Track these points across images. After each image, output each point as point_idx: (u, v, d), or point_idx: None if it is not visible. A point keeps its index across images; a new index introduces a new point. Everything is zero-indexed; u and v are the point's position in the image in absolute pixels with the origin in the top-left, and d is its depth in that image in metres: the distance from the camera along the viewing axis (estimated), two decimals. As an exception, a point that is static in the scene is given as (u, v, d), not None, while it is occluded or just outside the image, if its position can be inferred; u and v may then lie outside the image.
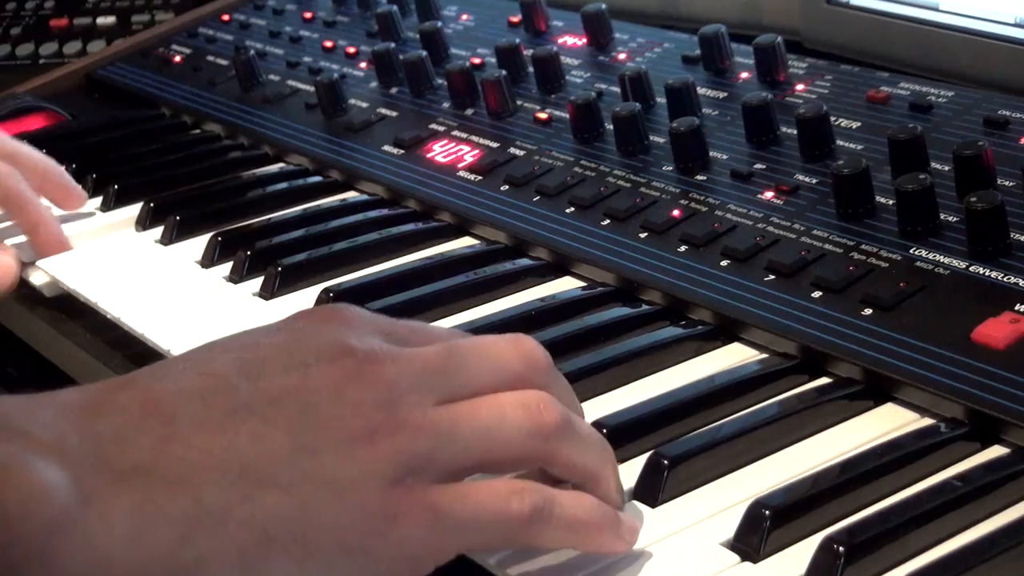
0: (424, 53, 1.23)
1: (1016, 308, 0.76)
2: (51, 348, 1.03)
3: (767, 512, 0.64)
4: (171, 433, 0.53)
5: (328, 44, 1.36)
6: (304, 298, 0.95)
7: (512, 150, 1.07)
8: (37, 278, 1.05)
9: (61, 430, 0.52)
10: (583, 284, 0.92)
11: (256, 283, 0.98)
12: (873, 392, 0.75)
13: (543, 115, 1.11)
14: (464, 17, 1.35)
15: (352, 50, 1.33)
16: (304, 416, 0.55)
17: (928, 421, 0.73)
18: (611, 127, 1.03)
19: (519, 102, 1.14)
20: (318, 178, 1.16)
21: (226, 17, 1.51)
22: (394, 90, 1.23)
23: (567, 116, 1.07)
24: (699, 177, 0.96)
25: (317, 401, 0.55)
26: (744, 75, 1.09)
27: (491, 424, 0.58)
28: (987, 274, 0.79)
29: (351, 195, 1.12)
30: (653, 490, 0.68)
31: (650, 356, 0.82)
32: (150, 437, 0.53)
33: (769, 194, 0.92)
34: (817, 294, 0.81)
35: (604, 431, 0.71)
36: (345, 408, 0.55)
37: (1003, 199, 0.80)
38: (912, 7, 1.09)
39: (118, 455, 0.52)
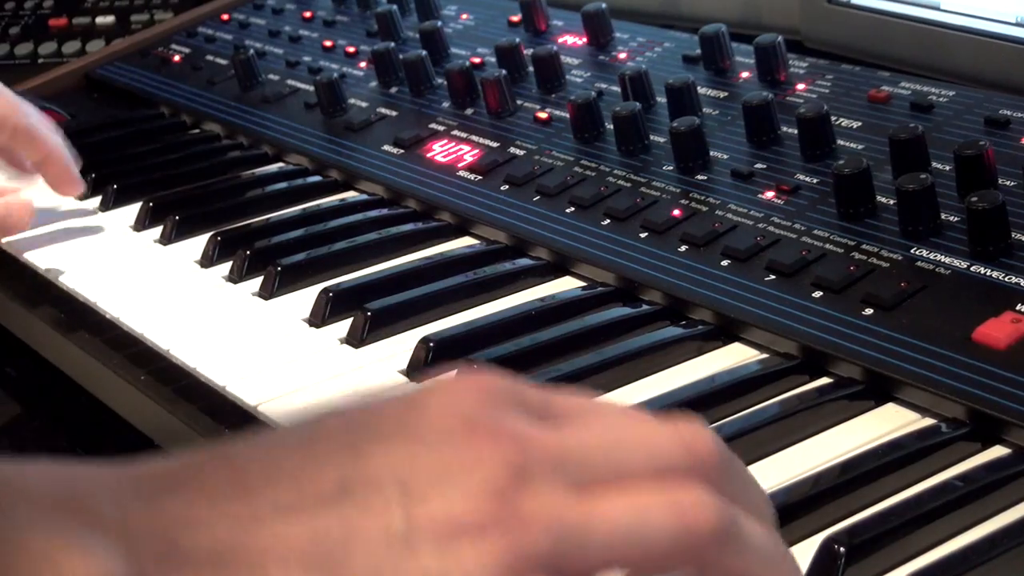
0: (424, 52, 1.23)
1: (1017, 308, 0.76)
2: (50, 348, 1.03)
3: (768, 512, 0.64)
4: (252, 516, 0.46)
5: (328, 43, 1.36)
6: (303, 298, 0.95)
7: (512, 150, 1.07)
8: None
9: (129, 507, 0.47)
10: (583, 284, 0.92)
11: (255, 283, 0.98)
12: (874, 392, 0.75)
13: (543, 115, 1.11)
14: (464, 16, 1.35)
15: (352, 49, 1.33)
16: (405, 503, 0.46)
17: (929, 421, 0.73)
18: (611, 127, 1.03)
19: (519, 102, 1.14)
20: (317, 178, 1.16)
21: (225, 16, 1.51)
22: (394, 90, 1.23)
23: (567, 116, 1.07)
24: (699, 177, 0.96)
25: (423, 485, 0.46)
26: (745, 74, 1.09)
27: (631, 524, 0.48)
28: (988, 274, 0.79)
29: (350, 195, 1.12)
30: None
31: (650, 356, 0.82)
32: (227, 520, 0.46)
33: (770, 194, 0.92)
34: (818, 294, 0.81)
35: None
36: (455, 494, 0.46)
37: (1004, 199, 0.80)
38: (913, 6, 1.09)
39: (188, 540, 0.46)
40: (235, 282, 1.00)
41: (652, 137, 1.02)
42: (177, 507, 0.46)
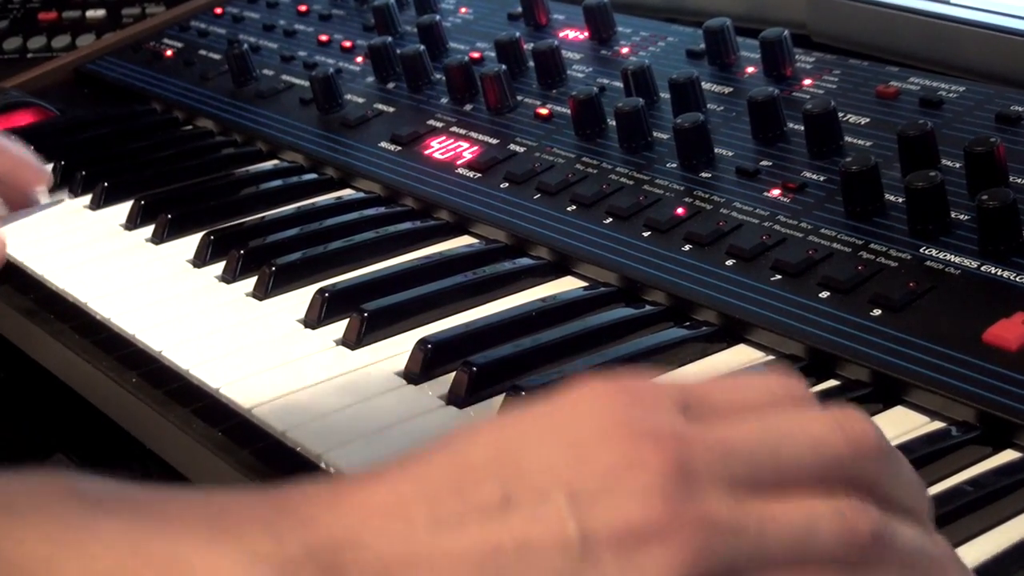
0: (422, 47, 1.23)
1: (1029, 309, 0.76)
2: (39, 350, 1.03)
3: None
4: (414, 532, 0.46)
5: (323, 38, 1.36)
6: (299, 299, 0.95)
7: (512, 147, 1.07)
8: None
9: (284, 531, 0.46)
10: (585, 284, 0.92)
11: (250, 283, 0.98)
12: (882, 395, 0.76)
13: (544, 111, 1.11)
14: (463, 10, 1.35)
15: (348, 44, 1.33)
16: (579, 513, 0.45)
17: (938, 424, 0.73)
18: (613, 123, 1.03)
19: (519, 97, 1.14)
20: (313, 175, 1.16)
21: (219, 10, 1.51)
22: (391, 85, 1.23)
23: (568, 112, 1.07)
24: (704, 174, 0.96)
25: (592, 493, 0.46)
26: (750, 70, 1.09)
27: (803, 532, 0.47)
28: (999, 274, 0.79)
29: (347, 193, 1.12)
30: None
31: (654, 358, 0.82)
32: (388, 537, 0.46)
33: (775, 192, 0.92)
34: (825, 294, 0.81)
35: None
36: (628, 499, 0.46)
37: (1015, 197, 0.80)
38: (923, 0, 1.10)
39: (351, 558, 0.45)
40: (229, 282, 1.00)
41: (655, 134, 1.02)
42: (334, 527, 0.46)
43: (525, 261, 0.96)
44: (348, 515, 0.46)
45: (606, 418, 0.48)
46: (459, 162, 1.08)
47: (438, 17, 1.28)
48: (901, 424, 0.73)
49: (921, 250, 0.83)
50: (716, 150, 0.98)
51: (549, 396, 0.49)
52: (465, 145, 1.10)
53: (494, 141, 1.09)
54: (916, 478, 0.52)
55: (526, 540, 0.45)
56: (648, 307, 0.87)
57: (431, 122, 1.15)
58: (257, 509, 0.47)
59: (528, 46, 1.19)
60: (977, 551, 0.63)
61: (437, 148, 1.11)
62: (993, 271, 0.79)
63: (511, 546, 0.45)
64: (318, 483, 0.48)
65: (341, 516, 0.46)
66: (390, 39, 1.27)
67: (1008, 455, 0.70)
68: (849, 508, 0.48)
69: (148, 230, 1.09)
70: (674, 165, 0.98)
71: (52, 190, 1.19)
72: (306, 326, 0.92)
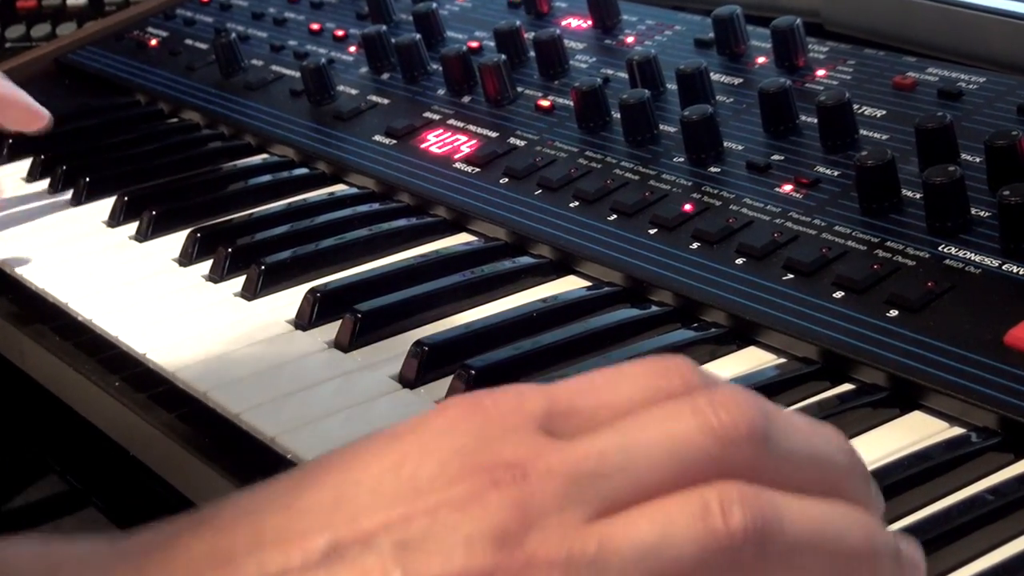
0: (418, 36, 1.23)
1: (1052, 309, 0.76)
2: (17, 352, 1.03)
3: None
4: None
5: (315, 26, 1.36)
6: (289, 299, 0.95)
7: (512, 140, 1.07)
8: None
9: None
10: (588, 284, 0.92)
11: (238, 282, 0.98)
12: (899, 399, 0.75)
13: (545, 103, 1.11)
14: (461, -2, 1.35)
15: (341, 33, 1.33)
16: (403, 561, 0.45)
17: (958, 430, 0.73)
18: (618, 116, 1.03)
19: (519, 89, 1.14)
20: (304, 170, 1.16)
21: (205, -2, 1.51)
22: (386, 76, 1.23)
23: (571, 104, 1.07)
24: (712, 169, 0.96)
25: (421, 539, 0.45)
26: (761, 60, 1.09)
27: (653, 544, 0.45)
28: (1021, 273, 0.79)
29: (339, 188, 1.12)
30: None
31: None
32: None
33: (787, 187, 0.92)
34: (839, 294, 0.81)
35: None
36: (455, 546, 0.45)
37: (1038, 192, 0.80)
38: (941, -13, 1.10)
39: None
40: (216, 281, 1.00)
41: (662, 127, 1.02)
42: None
43: (525, 260, 0.96)
44: (179, 567, 0.46)
45: (451, 448, 0.47)
46: (457, 156, 1.08)
47: (435, 5, 1.28)
48: (919, 430, 0.73)
49: (940, 248, 0.83)
50: (725, 144, 0.98)
51: (402, 423, 0.49)
52: (463, 139, 1.10)
53: (493, 134, 1.09)
54: (820, 443, 0.49)
55: None
56: (654, 308, 0.87)
57: (427, 114, 1.15)
58: (98, 558, 0.48)
59: (529, 35, 1.19)
60: (1000, 562, 0.63)
61: (434, 142, 1.11)
62: (1015, 270, 0.79)
63: None
64: (162, 527, 0.48)
65: (171, 568, 0.46)
66: (385, 28, 1.26)
67: (1031, 462, 0.70)
68: (715, 500, 0.45)
69: (132, 227, 1.09)
70: (681, 159, 0.98)
71: (31, 181, 1.19)
72: (297, 328, 0.92)
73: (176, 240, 1.05)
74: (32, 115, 1.16)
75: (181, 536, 0.47)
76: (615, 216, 0.94)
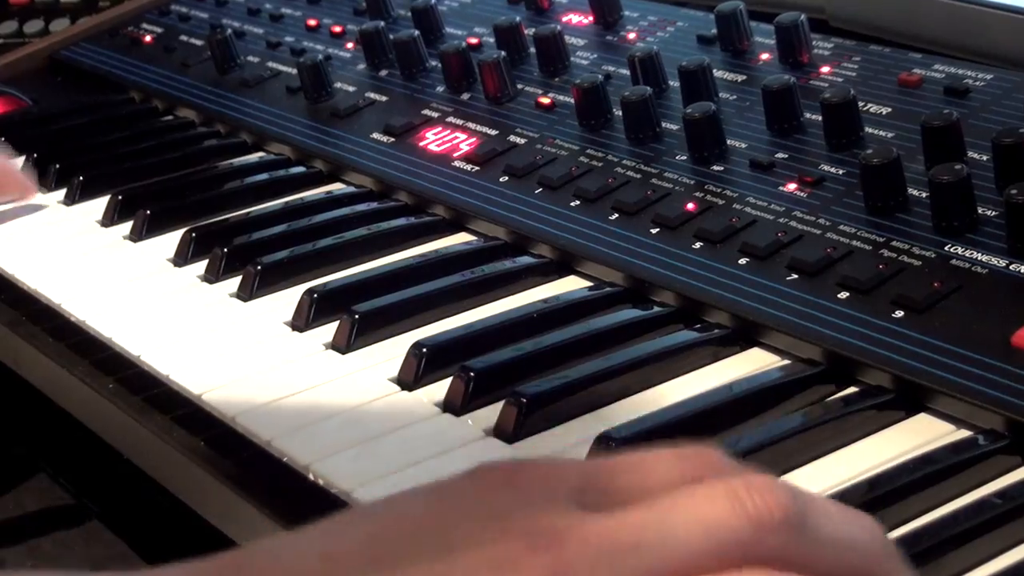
0: (416, 32, 1.23)
1: (1060, 310, 0.76)
2: (10, 353, 1.03)
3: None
4: None
5: (312, 22, 1.36)
6: (286, 299, 0.95)
7: (512, 138, 1.07)
8: None
9: None
10: (589, 284, 0.92)
11: (234, 283, 0.98)
12: (905, 401, 0.75)
13: (546, 100, 1.11)
14: (460, -7, 1.35)
15: (338, 29, 1.33)
16: None
17: (965, 433, 0.73)
18: (620, 113, 1.03)
19: (520, 86, 1.14)
20: (301, 169, 1.16)
21: (201, -7, 1.51)
22: (384, 73, 1.23)
23: (572, 101, 1.07)
24: (715, 167, 0.96)
25: None
26: (764, 56, 1.09)
27: None
28: (1029, 273, 0.79)
29: (337, 187, 1.12)
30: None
31: (662, 362, 0.82)
32: None
33: (792, 186, 0.92)
34: (844, 295, 0.81)
35: (611, 444, 0.71)
36: None
37: (1046, 191, 0.80)
38: (947, -18, 1.10)
39: None
40: (212, 282, 1.00)
41: (664, 124, 1.02)
42: None
43: (526, 259, 0.96)
44: None
45: (486, 512, 0.48)
46: (456, 154, 1.08)
47: (434, 0, 1.28)
48: (925, 432, 0.73)
49: (946, 248, 0.83)
50: (728, 142, 0.98)
51: (438, 481, 0.50)
52: (462, 136, 1.10)
53: (493, 132, 1.09)
54: (854, 531, 0.50)
55: None
56: (656, 308, 0.87)
57: (426, 112, 1.15)
58: None
59: (529, 31, 1.19)
60: (1006, 567, 0.63)
61: (433, 140, 1.11)
62: (1023, 270, 0.79)
63: None
64: (186, 569, 0.49)
65: None
66: (382, 24, 1.27)
67: (1039, 465, 0.70)
68: None
69: (126, 227, 1.09)
70: (684, 158, 0.98)
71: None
72: (293, 329, 0.92)
73: (171, 240, 1.05)
74: (26, 186, 1.16)
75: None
76: (616, 215, 0.94)
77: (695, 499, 0.49)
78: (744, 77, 1.07)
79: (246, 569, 0.49)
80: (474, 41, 1.23)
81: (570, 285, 0.93)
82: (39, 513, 1.11)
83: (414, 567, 0.47)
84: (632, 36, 1.19)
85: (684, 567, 0.47)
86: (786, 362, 0.81)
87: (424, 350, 0.84)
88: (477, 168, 1.05)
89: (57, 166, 1.19)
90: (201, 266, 1.01)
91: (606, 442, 0.72)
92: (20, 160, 1.19)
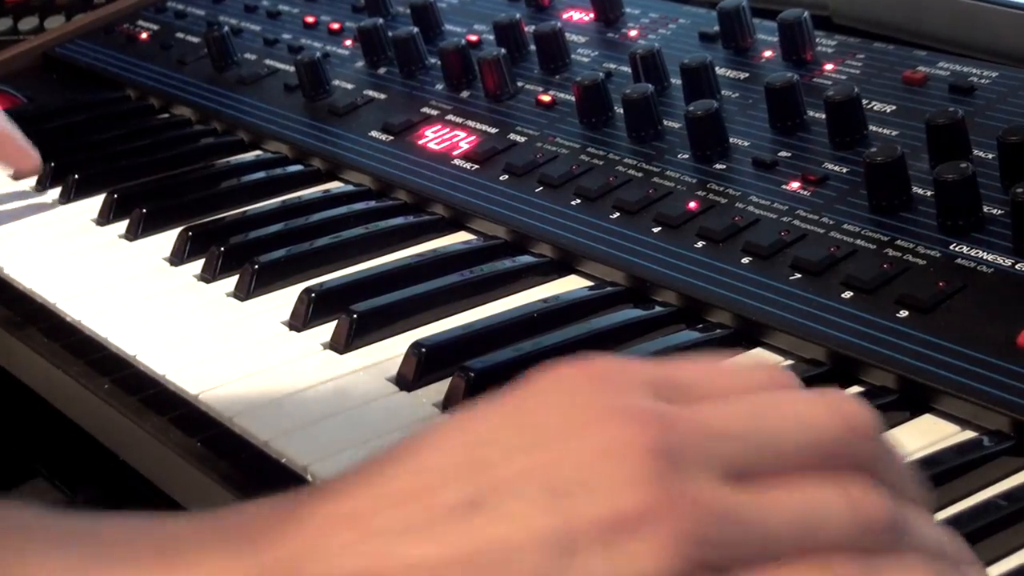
0: (415, 29, 1.23)
1: (1067, 310, 0.76)
2: (5, 354, 1.03)
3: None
4: (375, 545, 0.45)
5: (309, 20, 1.36)
6: (283, 299, 0.95)
7: (512, 136, 1.07)
8: None
9: (238, 554, 0.46)
10: (590, 283, 0.92)
11: (230, 282, 0.98)
12: (909, 402, 0.75)
13: (546, 98, 1.11)
14: (459, -10, 1.35)
15: (336, 26, 1.33)
16: (551, 506, 0.45)
17: (970, 434, 0.73)
18: (621, 111, 1.03)
19: (520, 83, 1.14)
20: (299, 167, 1.16)
21: (197, -10, 1.51)
22: (382, 70, 1.23)
23: (572, 99, 1.07)
24: (718, 166, 0.96)
25: (568, 484, 0.45)
26: (767, 54, 1.09)
27: (809, 518, 0.47)
28: (1035, 272, 0.79)
29: (335, 186, 1.12)
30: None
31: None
32: (351, 548, 0.45)
33: (795, 185, 0.92)
34: (848, 294, 0.81)
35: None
36: (608, 487, 0.45)
37: (1052, 190, 0.80)
38: (952, -21, 1.10)
39: (313, 569, 0.45)
40: (208, 281, 1.00)
41: (666, 122, 1.02)
42: (291, 543, 0.46)
43: (526, 259, 0.96)
44: (306, 529, 0.46)
45: (574, 403, 0.47)
46: (455, 153, 1.08)
47: (433, -3, 1.28)
48: (930, 433, 0.73)
49: (951, 247, 0.83)
50: (731, 140, 0.98)
51: (512, 387, 0.49)
52: (462, 134, 1.10)
53: (493, 130, 1.09)
54: (911, 470, 0.52)
55: (503, 540, 0.44)
56: (658, 308, 0.87)
57: (425, 110, 1.15)
58: (207, 532, 0.47)
59: (529, 28, 1.19)
60: (1011, 569, 0.63)
61: (432, 138, 1.11)
62: (1028, 269, 0.80)
63: (486, 547, 0.44)
64: (273, 500, 0.48)
65: (299, 531, 0.46)
66: (381, 21, 1.27)
67: (1045, 467, 0.70)
68: (859, 490, 0.47)
69: (122, 225, 1.09)
70: (686, 156, 0.98)
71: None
72: (291, 328, 0.92)
73: (167, 239, 1.05)
74: (24, 154, 1.16)
75: (296, 504, 0.47)
76: (618, 214, 0.94)
77: (792, 399, 0.50)
78: (747, 75, 1.07)
79: (329, 495, 0.47)
80: (474, 38, 1.23)
81: (571, 285, 0.93)
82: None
83: (519, 463, 0.46)
84: (633, 33, 1.19)
85: (789, 462, 0.47)
86: (790, 362, 0.81)
87: (423, 350, 0.84)
88: (477, 166, 1.05)
89: (52, 164, 1.19)
90: (198, 265, 1.01)
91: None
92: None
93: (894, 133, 0.95)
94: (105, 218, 1.11)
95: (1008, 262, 0.80)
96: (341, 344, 0.88)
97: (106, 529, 0.48)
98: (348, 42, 1.30)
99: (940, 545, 0.50)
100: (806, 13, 1.08)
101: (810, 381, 0.78)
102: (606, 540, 0.44)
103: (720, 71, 1.07)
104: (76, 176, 1.17)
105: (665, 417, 0.46)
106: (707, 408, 0.48)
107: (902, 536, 0.48)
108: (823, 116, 0.96)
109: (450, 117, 1.13)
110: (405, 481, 0.46)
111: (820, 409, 0.49)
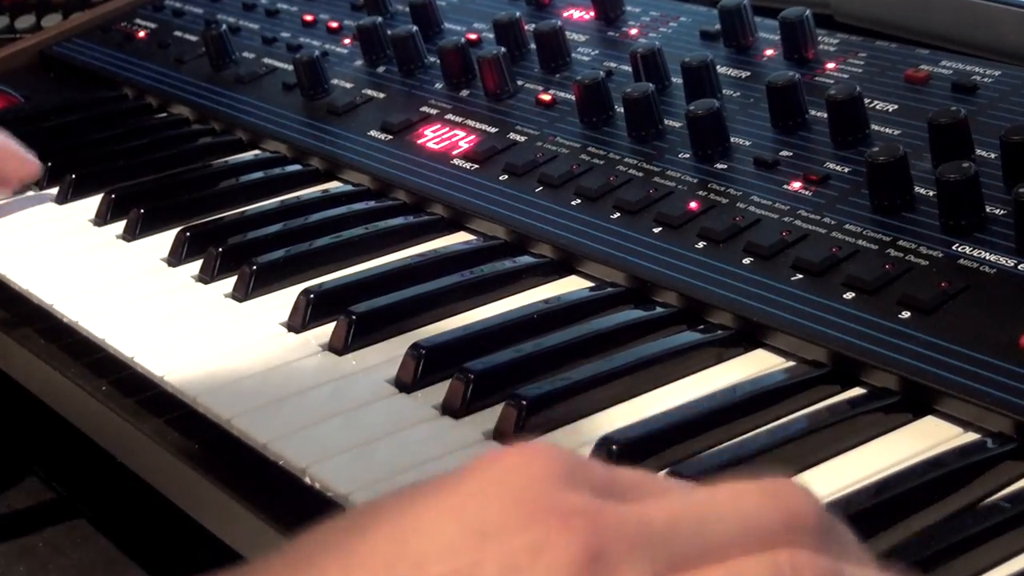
0: (414, 28, 1.23)
1: (1070, 311, 0.76)
2: (1, 355, 1.03)
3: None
4: None
5: (308, 18, 1.36)
6: (281, 300, 0.95)
7: (512, 136, 1.07)
8: None
9: None
10: (591, 284, 0.92)
11: (229, 283, 0.98)
12: (912, 404, 0.75)
13: (546, 97, 1.11)
14: (459, -12, 1.35)
15: (335, 25, 1.33)
16: None
17: (973, 436, 0.73)
18: (621, 110, 1.03)
19: (520, 82, 1.14)
20: (297, 166, 1.16)
21: (195, -12, 1.51)
22: (381, 69, 1.23)
23: (573, 98, 1.07)
24: (719, 165, 0.96)
25: None
26: (769, 52, 1.09)
27: None
28: (1038, 273, 0.79)
29: (334, 185, 1.12)
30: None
31: (665, 364, 0.82)
32: None
33: (796, 184, 0.92)
34: (849, 295, 0.81)
35: (613, 447, 0.71)
36: None
37: (1056, 190, 0.80)
38: (955, -23, 1.10)
39: None
40: (206, 282, 1.00)
41: (667, 122, 1.02)
42: None
43: (526, 259, 0.96)
44: None
45: (513, 494, 0.47)
46: (455, 152, 1.08)
47: (432, -5, 1.28)
48: (932, 435, 0.73)
49: (953, 247, 0.83)
50: (732, 139, 0.98)
51: (454, 471, 0.49)
52: (461, 134, 1.10)
53: (492, 130, 1.09)
54: (866, 554, 0.51)
55: None
56: (659, 309, 0.87)
57: (425, 109, 1.15)
58: None
59: (529, 27, 1.19)
60: (1014, 572, 0.63)
61: (431, 137, 1.11)
62: (1031, 270, 0.80)
63: None
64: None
65: None
66: (380, 19, 1.27)
67: (1048, 469, 0.70)
68: (787, 561, 0.47)
69: (119, 226, 1.09)
70: (687, 156, 0.98)
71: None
72: (290, 330, 0.92)
73: (165, 239, 1.05)
74: (27, 164, 1.16)
75: None
76: (618, 214, 0.94)
77: (730, 493, 0.49)
78: (748, 73, 1.07)
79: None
80: (473, 37, 1.23)
81: (571, 285, 0.93)
82: (31, 513, 1.11)
83: (442, 562, 0.46)
84: (634, 32, 1.19)
85: (720, 551, 0.47)
86: (791, 364, 0.81)
87: (423, 351, 0.84)
88: (476, 166, 1.05)
89: (49, 164, 1.19)
90: (196, 266, 1.01)
91: (608, 445, 0.72)
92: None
93: (896, 132, 0.95)
94: (103, 218, 1.11)
95: (1011, 263, 0.80)
96: (340, 345, 0.88)
97: None
98: (347, 41, 1.30)
99: None
100: (808, 11, 1.08)
101: (811, 382, 0.78)
102: None
103: (721, 70, 1.07)
104: (73, 176, 1.17)
105: (596, 515, 0.46)
106: (646, 505, 0.48)
107: None
108: (825, 115, 0.96)
109: (449, 116, 1.13)
110: (339, 570, 0.47)
111: (758, 501, 0.49)
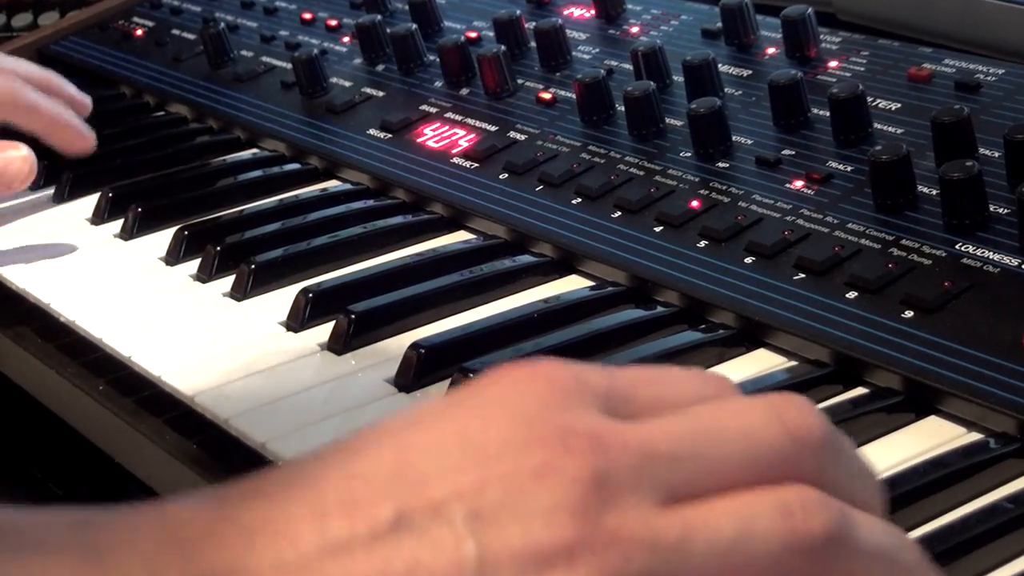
0: (414, 26, 1.23)
1: (1074, 310, 0.76)
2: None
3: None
4: (299, 559, 0.45)
5: (307, 16, 1.36)
6: (280, 299, 0.95)
7: (512, 134, 1.07)
8: None
9: (158, 561, 0.46)
10: (591, 283, 0.93)
11: (227, 282, 0.98)
12: (915, 404, 0.75)
13: (547, 95, 1.11)
14: (459, -14, 1.35)
15: (334, 23, 1.33)
16: (477, 532, 0.45)
17: (976, 436, 0.73)
18: (622, 108, 1.03)
19: (520, 81, 1.14)
20: (296, 165, 1.16)
21: (193, -14, 1.51)
22: (381, 67, 1.23)
23: (573, 96, 1.07)
24: (721, 164, 0.96)
25: (496, 509, 0.45)
26: (771, 51, 1.09)
27: (736, 537, 0.46)
28: (1042, 272, 0.79)
29: (332, 184, 1.12)
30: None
31: (666, 364, 0.82)
32: (273, 568, 0.45)
33: (799, 183, 0.92)
34: (852, 294, 0.81)
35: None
36: (534, 516, 0.45)
37: (1059, 189, 0.80)
38: (958, -25, 1.10)
39: None
40: (204, 281, 1.00)
41: (668, 120, 1.02)
42: (215, 556, 0.45)
43: (526, 258, 0.96)
44: (232, 540, 0.46)
45: (516, 414, 0.47)
46: (454, 151, 1.08)
47: (432, -7, 1.28)
48: (935, 435, 0.73)
49: (957, 246, 0.83)
50: (734, 138, 0.98)
51: (460, 388, 0.49)
52: (461, 132, 1.10)
53: (492, 128, 1.09)
54: (869, 470, 0.51)
55: (419, 564, 0.44)
56: (660, 308, 0.87)
57: (424, 107, 1.15)
58: (135, 534, 0.47)
59: (529, 25, 1.19)
60: (1018, 573, 0.63)
61: (431, 136, 1.11)
62: (1035, 269, 0.80)
63: (407, 571, 0.44)
64: (206, 497, 0.48)
65: (224, 542, 0.46)
66: (379, 17, 1.27)
67: (1052, 469, 0.70)
68: (797, 501, 0.47)
69: (117, 225, 1.09)
70: (688, 154, 0.98)
71: None
72: (288, 329, 0.92)
73: (162, 238, 1.05)
74: (83, 138, 1.16)
75: (235, 504, 0.47)
76: (619, 213, 0.94)
77: (735, 410, 0.49)
78: (750, 72, 1.07)
79: (259, 496, 0.47)
80: (473, 35, 1.23)
81: (571, 285, 0.93)
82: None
83: (450, 483, 0.46)
84: (635, 30, 1.19)
85: (724, 479, 0.47)
86: (793, 363, 0.81)
87: (422, 351, 0.84)
88: (476, 165, 1.05)
89: (45, 163, 1.19)
90: (193, 265, 1.01)
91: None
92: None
93: (899, 131, 0.95)
94: (100, 217, 1.11)
95: (1015, 262, 0.80)
96: (339, 345, 0.88)
97: (29, 523, 0.48)
98: (346, 39, 1.30)
99: (890, 552, 0.49)
100: (810, 9, 1.08)
101: (814, 382, 0.78)
102: (530, 572, 0.44)
103: (723, 68, 1.07)
104: (70, 175, 1.17)
105: (601, 438, 0.46)
106: (646, 426, 0.48)
107: (845, 549, 0.47)
108: (827, 114, 0.96)
109: (449, 115, 1.13)
110: (337, 491, 0.46)
111: (764, 418, 0.49)
